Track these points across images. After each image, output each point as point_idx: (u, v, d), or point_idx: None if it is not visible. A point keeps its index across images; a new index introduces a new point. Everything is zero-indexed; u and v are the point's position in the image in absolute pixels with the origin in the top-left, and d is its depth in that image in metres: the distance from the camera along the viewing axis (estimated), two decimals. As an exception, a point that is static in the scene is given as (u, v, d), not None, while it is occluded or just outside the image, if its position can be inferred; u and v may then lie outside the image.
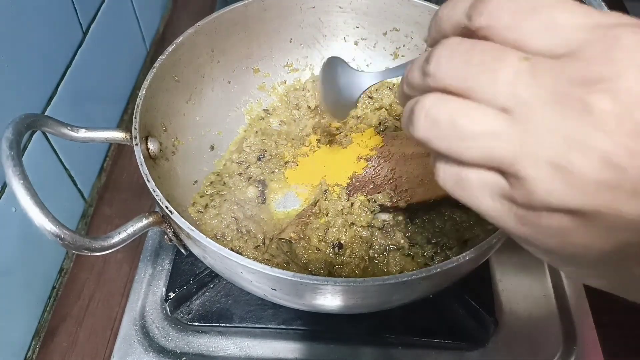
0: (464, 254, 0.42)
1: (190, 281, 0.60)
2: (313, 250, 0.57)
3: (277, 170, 0.65)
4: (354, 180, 0.63)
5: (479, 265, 0.49)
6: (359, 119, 0.71)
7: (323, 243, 0.57)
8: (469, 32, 0.25)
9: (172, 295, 0.60)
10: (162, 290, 0.63)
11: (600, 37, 0.21)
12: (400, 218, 0.61)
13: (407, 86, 0.28)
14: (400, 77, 0.75)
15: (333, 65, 0.52)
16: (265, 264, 0.42)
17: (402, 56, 0.73)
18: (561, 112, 0.21)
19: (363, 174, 0.63)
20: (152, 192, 0.46)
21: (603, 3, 0.56)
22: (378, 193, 0.61)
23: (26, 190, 0.37)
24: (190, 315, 0.60)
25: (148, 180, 0.47)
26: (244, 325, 0.59)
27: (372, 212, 0.59)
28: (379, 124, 0.69)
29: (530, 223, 0.23)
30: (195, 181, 0.63)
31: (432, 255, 0.57)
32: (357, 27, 0.72)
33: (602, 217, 0.21)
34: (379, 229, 0.59)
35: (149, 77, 0.55)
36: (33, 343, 0.61)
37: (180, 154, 0.62)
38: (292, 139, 0.69)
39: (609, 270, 0.25)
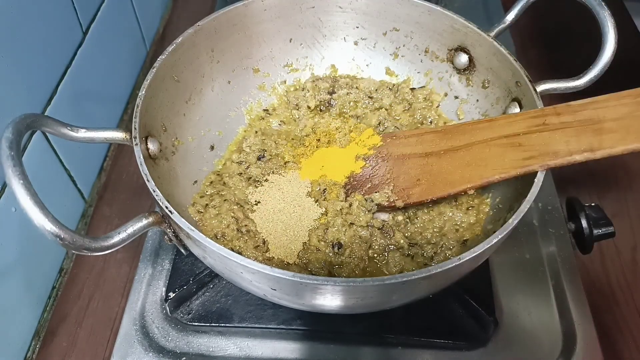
0: (464, 254, 0.42)
1: (190, 281, 0.60)
2: (313, 250, 0.57)
3: (277, 170, 0.65)
4: (351, 179, 0.63)
5: (479, 265, 0.49)
6: (358, 118, 0.71)
7: (323, 243, 0.57)
8: None
9: (172, 295, 0.60)
10: (162, 290, 0.63)
11: None
12: (399, 218, 0.61)
13: None
14: (401, 77, 0.75)
15: None
16: (265, 264, 0.42)
17: (402, 56, 0.73)
18: None
19: (361, 173, 0.63)
20: (152, 192, 0.46)
21: (603, 3, 0.56)
22: (375, 192, 0.61)
23: (26, 190, 0.37)
24: (190, 315, 0.60)
25: (148, 180, 0.47)
26: (244, 325, 0.59)
27: (369, 211, 0.59)
28: (378, 124, 0.69)
29: None
30: (195, 181, 0.63)
31: (432, 255, 0.57)
32: (357, 27, 0.72)
33: None
34: (379, 228, 0.59)
35: (149, 77, 0.55)
36: (33, 343, 0.61)
37: (180, 154, 0.62)
38: (292, 139, 0.69)
39: None
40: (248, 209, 0.60)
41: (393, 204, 0.60)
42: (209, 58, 0.66)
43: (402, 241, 0.58)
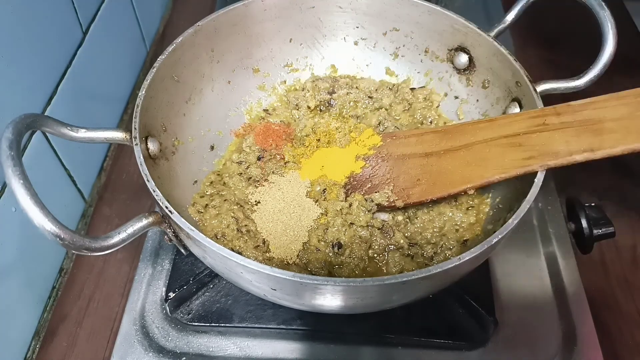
0: (464, 254, 0.42)
1: (190, 281, 0.60)
2: (313, 250, 0.57)
3: (277, 170, 0.65)
4: (351, 179, 0.63)
5: (479, 265, 0.49)
6: (358, 118, 0.71)
7: (323, 243, 0.57)
8: None
9: (172, 295, 0.60)
10: (162, 290, 0.63)
11: None
12: (399, 218, 0.61)
13: None
14: (401, 77, 0.75)
15: None
16: (265, 264, 0.42)
17: (402, 56, 0.73)
18: None
19: (361, 173, 0.63)
20: (152, 192, 0.46)
21: (603, 3, 0.56)
22: (375, 192, 0.61)
23: (26, 190, 0.37)
24: (190, 315, 0.60)
25: (148, 180, 0.47)
26: (244, 325, 0.59)
27: (369, 211, 0.59)
28: (378, 124, 0.69)
29: None
30: (195, 181, 0.63)
31: (432, 255, 0.57)
32: (357, 27, 0.72)
33: None
34: (379, 229, 0.59)
35: (149, 77, 0.55)
36: (33, 343, 0.61)
37: (180, 154, 0.62)
38: (292, 139, 0.69)
39: None
40: (248, 209, 0.60)
41: (393, 204, 0.60)
42: (209, 58, 0.66)
43: (402, 241, 0.58)
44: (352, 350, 0.59)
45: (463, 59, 0.66)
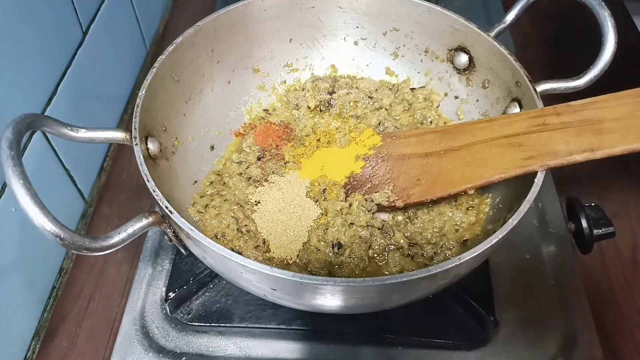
0: (464, 254, 0.42)
1: (190, 281, 0.60)
2: (313, 250, 0.57)
3: (277, 170, 0.65)
4: (351, 179, 0.63)
5: (479, 265, 0.49)
6: (358, 118, 0.71)
7: (322, 243, 0.57)
8: None
9: (172, 295, 0.60)
10: (162, 290, 0.63)
11: None
12: (399, 218, 0.61)
13: None
14: (401, 77, 0.75)
15: None
16: (265, 264, 0.42)
17: (402, 56, 0.73)
18: None
19: (361, 174, 0.63)
20: (152, 192, 0.46)
21: (603, 3, 0.56)
22: (375, 192, 0.61)
23: (26, 190, 0.37)
24: (190, 315, 0.60)
25: (148, 180, 0.47)
26: (244, 325, 0.59)
27: (369, 211, 0.59)
28: (378, 124, 0.69)
29: None
30: (195, 181, 0.63)
31: (431, 255, 0.57)
32: (357, 27, 0.72)
33: None
34: (379, 229, 0.59)
35: (149, 77, 0.55)
36: (33, 343, 0.61)
37: (180, 154, 0.62)
38: (292, 139, 0.69)
39: None
40: (248, 209, 0.60)
41: (393, 204, 0.60)
42: (209, 58, 0.66)
43: (402, 241, 0.58)
44: (352, 350, 0.59)
45: (463, 59, 0.66)
